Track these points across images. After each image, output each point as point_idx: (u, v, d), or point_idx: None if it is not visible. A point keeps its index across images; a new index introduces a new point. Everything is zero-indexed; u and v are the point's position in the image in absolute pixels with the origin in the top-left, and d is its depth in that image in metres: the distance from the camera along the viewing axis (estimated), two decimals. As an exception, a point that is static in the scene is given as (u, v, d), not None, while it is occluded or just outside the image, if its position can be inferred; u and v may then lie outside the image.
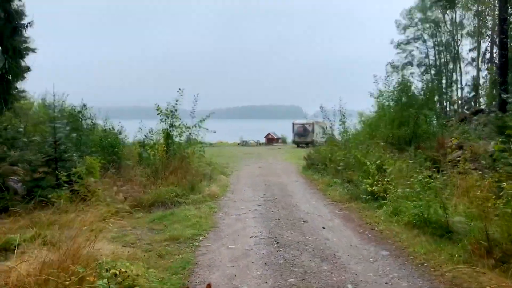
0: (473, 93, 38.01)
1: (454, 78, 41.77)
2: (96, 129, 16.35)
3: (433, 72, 43.30)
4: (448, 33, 41.83)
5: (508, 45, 16.92)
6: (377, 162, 10.33)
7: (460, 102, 40.13)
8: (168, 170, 11.94)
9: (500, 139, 7.80)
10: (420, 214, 7.02)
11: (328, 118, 17.87)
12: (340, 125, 17.48)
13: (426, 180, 7.64)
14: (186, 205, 9.81)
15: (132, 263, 4.69)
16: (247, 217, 8.86)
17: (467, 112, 30.77)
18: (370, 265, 5.59)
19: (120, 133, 16.54)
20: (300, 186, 13.90)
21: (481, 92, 36.06)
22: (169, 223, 7.99)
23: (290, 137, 44.59)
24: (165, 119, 13.27)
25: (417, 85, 20.94)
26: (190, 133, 13.85)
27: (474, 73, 38.46)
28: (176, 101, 13.22)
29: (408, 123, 16.62)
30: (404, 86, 17.52)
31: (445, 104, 40.35)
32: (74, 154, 10.72)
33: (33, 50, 16.25)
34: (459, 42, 40.68)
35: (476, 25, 37.80)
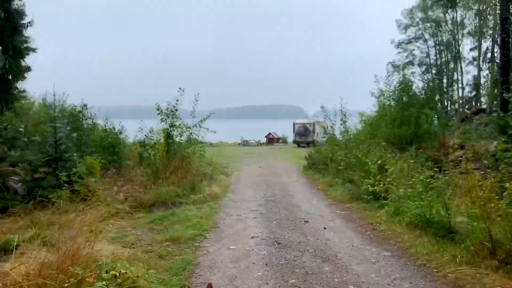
0: (474, 93, 37.93)
1: (455, 77, 41.69)
2: (97, 129, 16.33)
3: (434, 71, 43.21)
4: (449, 33, 41.74)
5: (510, 45, 16.82)
6: (379, 162, 10.29)
7: (461, 101, 40.06)
8: (169, 170, 11.90)
9: (502, 139, 7.76)
10: (422, 215, 6.97)
11: (329, 118, 17.84)
12: (341, 124, 17.44)
13: (428, 180, 7.60)
14: (187, 205, 9.77)
15: (132, 264, 4.63)
16: (248, 217, 8.82)
17: (468, 111, 30.74)
18: (372, 266, 5.55)
19: (120, 133, 16.51)
20: (301, 186, 13.87)
21: (482, 92, 36.01)
22: (170, 224, 7.95)
23: (291, 137, 44.58)
24: (166, 119, 13.23)
25: (418, 84, 20.94)
26: (191, 133, 13.82)
27: (475, 72, 38.40)
28: (177, 101, 13.18)
29: (409, 122, 16.60)
30: (405, 86, 17.50)
31: (446, 103, 40.26)
32: (75, 154, 10.71)
33: (33, 50, 16.21)
34: (460, 41, 40.60)
35: (477, 24, 37.70)
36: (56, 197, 8.33)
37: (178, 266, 5.48)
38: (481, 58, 36.79)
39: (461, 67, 40.48)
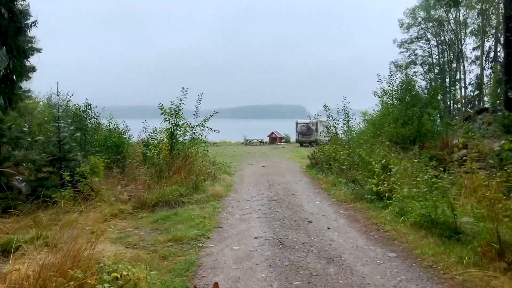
0: (476, 92, 37.81)
1: (458, 77, 41.56)
2: (101, 129, 16.35)
3: (436, 71, 43.11)
4: (452, 32, 41.62)
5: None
6: (382, 162, 10.23)
7: (463, 101, 39.93)
8: (172, 170, 11.88)
9: (510, 138, 7.70)
10: (427, 215, 6.90)
11: (332, 117, 17.77)
12: (344, 124, 17.38)
13: (433, 180, 7.54)
14: (190, 205, 9.74)
15: (134, 266, 4.60)
16: (251, 217, 8.78)
17: (471, 111, 30.63)
18: (377, 267, 5.49)
19: (124, 132, 16.55)
20: (304, 185, 13.81)
21: (485, 91, 35.89)
22: (173, 224, 7.92)
23: (293, 136, 44.48)
24: (169, 119, 13.22)
25: (420, 84, 20.90)
26: (194, 133, 13.81)
27: (478, 71, 38.29)
28: (180, 100, 13.18)
29: (412, 122, 16.56)
30: (407, 85, 17.44)
31: (448, 103, 40.14)
32: (78, 154, 10.71)
33: (38, 50, 16.23)
34: (462, 41, 40.47)
35: (480, 23, 37.59)
36: (60, 197, 8.32)
37: (181, 267, 5.44)
38: (483, 57, 36.68)
39: (463, 67, 40.42)
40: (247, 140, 45.91)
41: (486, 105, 29.01)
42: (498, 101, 22.02)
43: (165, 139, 13.62)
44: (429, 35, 43.48)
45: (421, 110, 16.65)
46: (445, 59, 43.21)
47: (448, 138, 15.76)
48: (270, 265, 5.60)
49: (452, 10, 40.35)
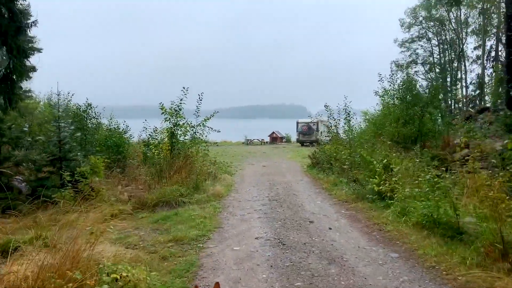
0: (478, 91, 37.73)
1: (459, 76, 41.45)
2: (101, 128, 16.33)
3: (437, 70, 43.01)
4: (453, 31, 41.50)
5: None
6: (384, 161, 10.17)
7: (465, 100, 39.85)
8: (173, 169, 11.84)
9: (513, 138, 7.64)
10: (429, 215, 6.84)
11: (333, 117, 17.73)
12: (345, 123, 17.33)
13: (435, 179, 7.49)
14: (190, 205, 9.70)
15: (134, 266, 4.55)
16: (252, 217, 8.73)
17: (472, 110, 30.57)
18: (379, 267, 5.43)
19: (125, 132, 16.52)
20: (305, 185, 13.77)
21: (486, 90, 35.81)
22: (173, 224, 7.87)
23: (294, 136, 44.42)
24: (169, 118, 13.18)
25: (422, 83, 20.86)
26: (195, 132, 13.77)
27: (479, 71, 38.16)
28: (181, 100, 13.14)
29: (413, 121, 16.52)
30: (409, 84, 17.40)
31: (450, 102, 40.04)
32: (79, 154, 10.68)
33: (38, 50, 16.19)
34: (464, 40, 40.37)
35: (481, 23, 37.49)
36: (60, 197, 8.29)
37: (181, 268, 5.40)
38: (485, 56, 36.58)
39: (465, 66, 40.31)
40: (247, 139, 45.87)
41: (487, 105, 28.95)
42: (499, 101, 21.97)
43: (166, 139, 13.59)
44: (430, 35, 43.38)
45: (422, 109, 16.61)
46: (446, 59, 43.09)
47: (450, 137, 15.71)
48: (271, 266, 5.56)
49: (453, 9, 40.27)
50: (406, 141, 15.75)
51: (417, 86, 18.42)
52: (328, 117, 17.95)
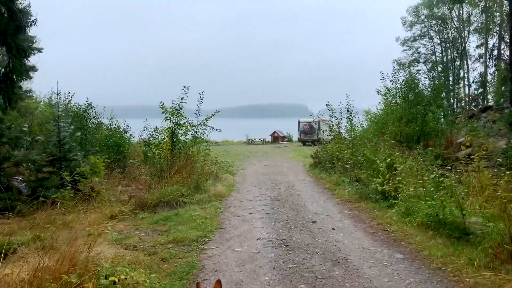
0: (480, 90, 37.57)
1: (461, 75, 41.29)
2: (102, 128, 16.25)
3: (440, 69, 42.83)
4: (455, 30, 41.32)
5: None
6: (387, 161, 10.04)
7: (467, 99, 39.69)
8: (173, 169, 11.73)
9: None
10: (434, 215, 6.70)
11: (335, 116, 17.62)
12: (347, 122, 17.22)
13: (440, 179, 7.36)
14: (191, 205, 9.58)
15: (133, 269, 4.43)
16: (253, 218, 8.61)
17: (475, 109, 30.45)
18: (384, 269, 5.30)
19: (125, 132, 16.44)
20: (308, 185, 13.64)
21: (489, 89, 35.65)
22: (174, 224, 7.74)
23: (296, 135, 44.32)
24: (170, 118, 13.07)
25: (424, 82, 20.75)
26: (196, 132, 13.66)
27: (482, 69, 38.01)
28: (181, 99, 13.02)
29: (415, 120, 16.42)
30: (411, 83, 17.29)
31: (452, 101, 39.87)
32: (79, 154, 10.59)
33: (38, 50, 16.11)
34: (466, 38, 40.18)
35: (484, 21, 37.30)
36: (60, 197, 8.20)
37: (181, 270, 5.27)
38: (487, 55, 36.42)
39: (467, 65, 40.11)
40: (249, 139, 45.79)
41: (490, 103, 28.82)
42: (502, 99, 21.84)
43: (166, 139, 13.48)
44: (432, 33, 43.20)
45: (425, 108, 16.50)
46: (448, 57, 42.91)
47: (452, 136, 15.60)
48: (274, 268, 5.43)
49: (455, 7, 40.08)
50: (409, 140, 15.64)
51: (420, 85, 18.32)
52: (330, 116, 17.85)
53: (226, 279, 5.01)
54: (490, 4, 35.75)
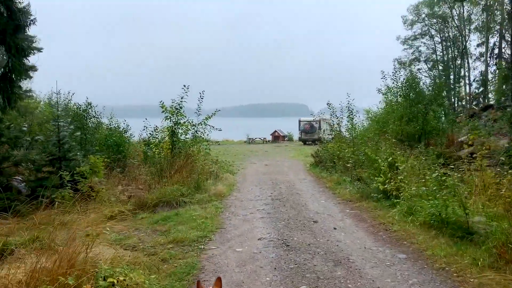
0: (481, 89, 37.50)
1: (462, 73, 41.24)
2: (101, 128, 16.19)
3: (440, 68, 42.75)
4: (456, 28, 41.26)
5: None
6: (389, 159, 9.96)
7: (468, 98, 39.63)
8: (173, 169, 11.67)
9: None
10: (437, 214, 6.63)
11: (336, 115, 17.54)
12: (348, 121, 17.16)
13: (443, 178, 7.29)
14: (192, 205, 9.51)
15: (132, 270, 4.36)
16: (254, 218, 8.54)
17: (476, 108, 30.39)
18: (387, 269, 5.23)
19: (125, 131, 16.38)
20: (308, 184, 13.58)
21: (490, 88, 35.58)
22: (174, 225, 7.67)
23: (296, 135, 44.27)
24: (170, 117, 13.00)
25: (425, 81, 20.71)
26: (196, 131, 13.59)
27: (483, 68, 37.97)
28: (181, 98, 12.95)
29: (417, 119, 16.36)
30: (412, 82, 17.23)
31: (453, 100, 39.80)
32: (78, 153, 10.53)
33: (38, 50, 16.00)
34: (467, 37, 40.12)
35: (484, 20, 37.23)
36: (59, 197, 8.14)
37: (181, 271, 5.19)
38: (488, 53, 36.35)
39: (468, 63, 40.06)
40: (249, 138, 45.75)
41: (491, 102, 28.76)
42: (503, 98, 21.78)
43: (166, 138, 13.42)
44: (433, 32, 43.17)
45: (426, 107, 16.45)
46: (449, 56, 42.86)
47: (454, 135, 15.56)
48: (275, 268, 5.36)
49: (456, 6, 40.00)
50: (410, 139, 15.58)
51: (421, 83, 18.26)
52: (331, 115, 17.77)
53: (227, 279, 4.94)
54: (491, 3, 35.68)
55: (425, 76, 40.01)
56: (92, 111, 15.29)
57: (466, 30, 40.15)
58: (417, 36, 43.43)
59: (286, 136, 48.22)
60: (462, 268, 4.98)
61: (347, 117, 17.09)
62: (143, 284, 4.10)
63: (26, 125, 13.08)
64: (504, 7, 31.23)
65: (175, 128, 13.03)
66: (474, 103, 37.25)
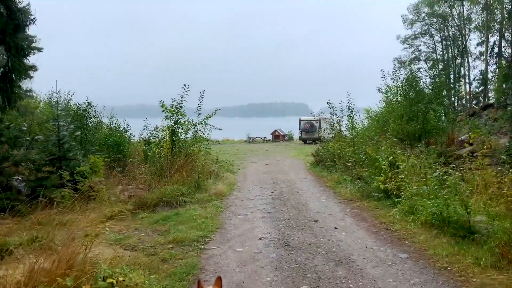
0: (481, 88, 37.47)
1: (462, 72, 41.22)
2: (102, 127, 16.16)
3: (440, 67, 42.71)
4: (456, 28, 41.22)
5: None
6: (390, 159, 9.93)
7: (468, 97, 39.60)
8: (174, 168, 11.63)
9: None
10: (438, 213, 6.60)
11: (336, 114, 17.53)
12: (348, 121, 17.15)
13: (444, 177, 7.25)
14: (192, 205, 9.47)
15: (132, 270, 4.33)
16: (255, 217, 8.51)
17: (476, 107, 30.37)
18: (388, 269, 5.19)
19: (125, 131, 16.35)
20: (309, 183, 13.54)
21: (490, 87, 35.53)
22: (174, 224, 7.63)
23: (296, 134, 44.27)
24: (170, 116, 12.96)
25: (425, 80, 20.69)
26: (196, 130, 13.55)
27: (483, 67, 37.92)
28: (182, 97, 12.92)
29: (417, 118, 16.33)
30: (412, 81, 17.20)
31: (453, 99, 39.77)
32: (78, 153, 10.50)
33: (39, 50, 15.97)
34: (467, 36, 40.09)
35: (484, 18, 37.17)
36: (59, 197, 8.10)
37: (181, 271, 5.16)
38: (488, 52, 36.30)
39: (468, 62, 40.05)
40: (250, 138, 45.74)
41: (491, 101, 28.71)
42: (503, 97, 21.74)
43: (167, 137, 13.38)
44: (433, 31, 43.13)
45: (426, 106, 16.42)
46: (449, 55, 42.83)
47: (454, 134, 15.53)
48: (276, 268, 5.33)
49: (456, 5, 39.98)
50: (410, 138, 15.56)
51: (421, 82, 18.23)
52: (331, 114, 17.75)
53: (227, 280, 4.91)
54: (491, 2, 35.62)
55: (425, 75, 40.04)
56: (92, 110, 15.26)
57: (466, 29, 40.13)
58: (417, 35, 43.42)
59: (286, 135, 48.22)
60: (464, 268, 4.95)
61: (347, 116, 17.09)
62: (143, 284, 4.08)
63: (25, 124, 13.04)
64: (504, 6, 31.17)
65: (175, 127, 12.99)
66: (474, 102, 37.24)
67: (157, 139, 13.76)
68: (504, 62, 28.49)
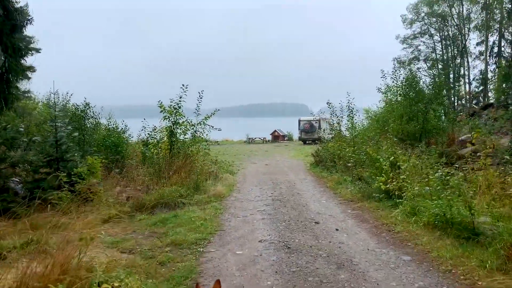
0: (481, 88, 37.40)
1: (462, 72, 41.14)
2: (100, 128, 16.05)
3: (440, 66, 42.62)
4: (455, 27, 41.15)
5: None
6: (391, 159, 9.81)
7: (468, 96, 39.53)
8: (172, 169, 11.52)
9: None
10: (441, 214, 6.48)
11: (336, 114, 17.45)
12: (348, 121, 17.06)
13: (447, 177, 7.14)
14: (190, 206, 9.35)
15: (129, 274, 4.21)
16: (254, 219, 8.38)
17: (476, 106, 30.30)
18: (391, 272, 5.07)
19: (123, 132, 16.24)
20: (309, 184, 13.43)
21: (490, 87, 35.46)
22: (172, 226, 7.50)
23: (296, 134, 44.16)
24: (168, 117, 12.84)
25: (425, 80, 20.64)
26: (195, 131, 13.44)
27: (482, 67, 37.84)
28: (180, 97, 12.80)
29: (417, 118, 16.26)
30: (411, 81, 17.13)
31: (453, 98, 39.68)
32: (76, 154, 10.39)
33: (37, 50, 15.87)
34: (466, 36, 40.02)
35: (484, 18, 37.10)
36: (57, 199, 7.99)
37: (179, 275, 5.02)
38: (488, 52, 36.24)
39: (467, 62, 39.97)
40: (249, 138, 45.64)
41: (491, 101, 28.64)
42: (503, 97, 21.67)
43: (165, 138, 13.27)
44: (433, 31, 43.05)
45: (426, 106, 16.34)
46: (448, 55, 42.75)
47: (454, 134, 15.45)
48: (276, 272, 5.20)
49: (455, 4, 39.91)
50: (411, 138, 15.47)
51: (421, 82, 18.15)
52: (331, 114, 17.67)
53: (227, 284, 4.79)
54: (490, 1, 35.55)
55: (424, 75, 39.96)
56: (90, 111, 15.14)
57: (466, 28, 40.07)
58: (417, 35, 43.35)
59: (286, 136, 48.13)
60: (469, 271, 4.82)
61: (347, 116, 17.01)
62: (140, 289, 3.96)
63: (23, 126, 12.93)
64: (504, 5, 31.09)
65: (173, 128, 12.88)
66: (474, 102, 37.16)
67: (156, 140, 13.64)
68: (503, 62, 28.41)
